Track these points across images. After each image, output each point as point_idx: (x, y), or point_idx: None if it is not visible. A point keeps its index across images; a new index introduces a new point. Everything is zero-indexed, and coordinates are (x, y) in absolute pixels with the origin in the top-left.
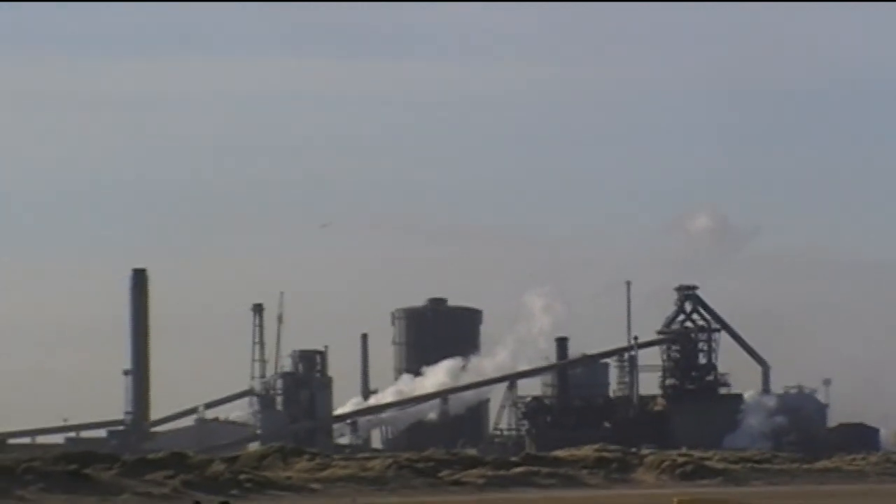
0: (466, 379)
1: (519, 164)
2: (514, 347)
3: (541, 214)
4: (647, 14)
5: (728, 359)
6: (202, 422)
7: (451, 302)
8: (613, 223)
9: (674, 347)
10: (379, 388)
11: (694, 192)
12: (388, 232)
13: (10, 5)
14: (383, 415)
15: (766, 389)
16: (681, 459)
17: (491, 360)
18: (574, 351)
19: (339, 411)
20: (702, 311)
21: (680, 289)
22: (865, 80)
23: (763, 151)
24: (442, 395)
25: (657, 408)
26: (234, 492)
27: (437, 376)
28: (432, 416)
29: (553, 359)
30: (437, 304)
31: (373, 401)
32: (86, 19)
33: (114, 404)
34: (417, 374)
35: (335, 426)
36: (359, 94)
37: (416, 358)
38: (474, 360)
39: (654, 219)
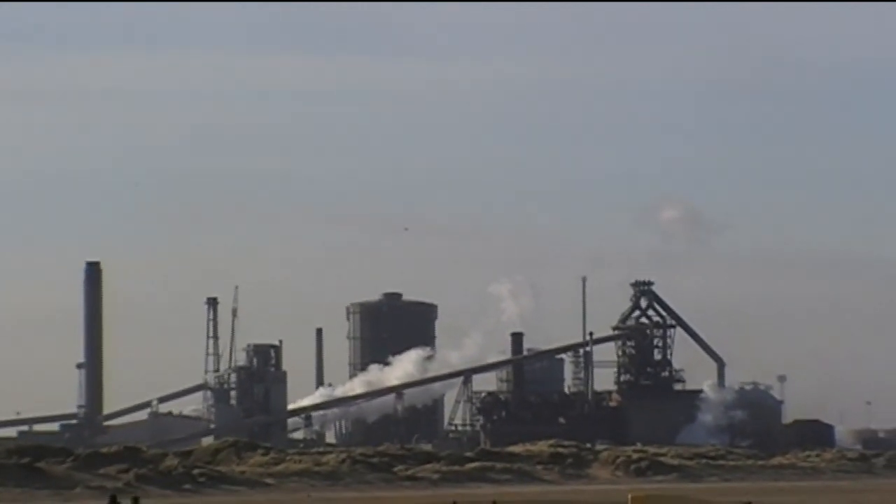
0: (430, 371)
1: (477, 157)
2: (480, 340)
3: (500, 207)
4: (626, 10)
5: (683, 355)
6: (156, 416)
7: (407, 296)
8: (574, 218)
9: (629, 343)
10: (333, 382)
11: (660, 187)
12: (344, 226)
13: None
14: (338, 409)
15: (720, 385)
16: (635, 455)
17: (458, 353)
18: (529, 346)
19: (296, 405)
20: (657, 306)
21: (636, 284)
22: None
23: (734, 147)
24: (398, 389)
25: (612, 403)
26: (187, 486)
27: (403, 366)
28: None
29: (508, 354)
30: (393, 298)
31: (326, 395)
32: (53, 11)
33: (67, 398)
34: (386, 363)
35: (290, 420)
36: (320, 88)
37: (371, 352)
38: (441, 352)
39: (618, 213)
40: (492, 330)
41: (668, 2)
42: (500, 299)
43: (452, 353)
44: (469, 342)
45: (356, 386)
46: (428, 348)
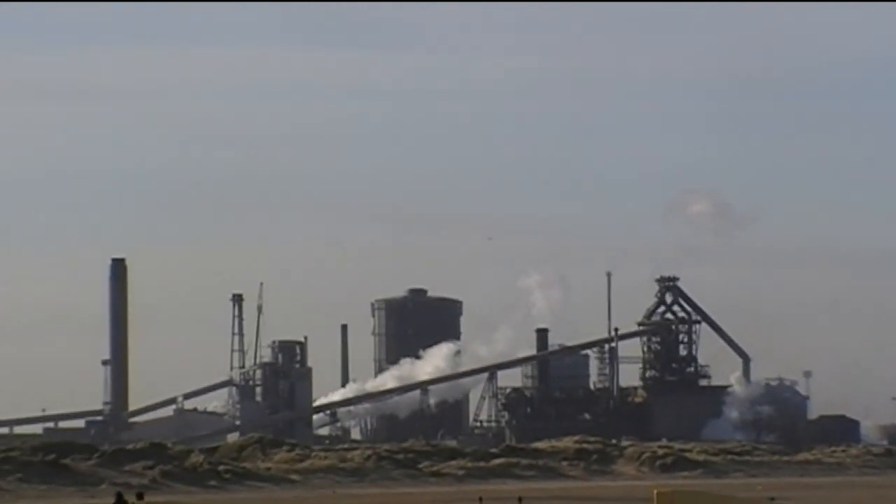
0: (458, 366)
1: (503, 153)
2: (507, 335)
3: (524, 203)
4: (649, 6)
5: (708, 351)
6: (181, 412)
7: (432, 293)
8: (600, 213)
9: (654, 339)
10: (358, 378)
11: (684, 181)
12: (369, 222)
13: None
14: (363, 406)
15: (746, 381)
16: (661, 451)
17: (485, 348)
18: (557, 342)
19: (323, 401)
20: (682, 302)
21: (661, 280)
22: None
23: (757, 141)
24: (423, 385)
25: (637, 399)
26: (212, 482)
27: (434, 361)
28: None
29: (534, 350)
30: (418, 294)
31: (356, 390)
32: (63, 6)
33: (93, 394)
34: (417, 357)
35: (315, 417)
36: (339, 84)
37: (396, 349)
38: (467, 347)
39: (643, 209)
40: (518, 325)
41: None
42: (528, 293)
43: (480, 348)
44: (496, 337)
45: (386, 380)
46: (457, 342)
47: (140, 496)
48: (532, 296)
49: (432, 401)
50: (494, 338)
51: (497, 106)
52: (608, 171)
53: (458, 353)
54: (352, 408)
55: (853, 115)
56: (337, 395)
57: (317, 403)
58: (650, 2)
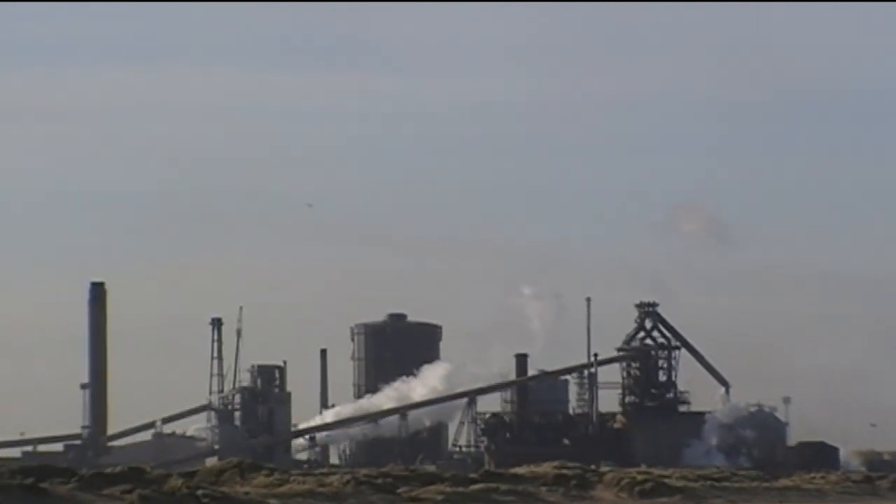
0: (453, 388)
1: (487, 176)
2: (488, 359)
3: (507, 226)
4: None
5: (687, 376)
6: (159, 436)
7: (412, 317)
8: (579, 236)
9: (634, 364)
10: (337, 403)
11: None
12: (349, 245)
13: None
14: (347, 430)
15: (725, 407)
16: (640, 477)
17: (484, 368)
18: (533, 367)
19: (302, 426)
20: (661, 328)
21: (640, 305)
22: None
23: (741, 165)
24: (401, 411)
25: (617, 425)
26: None
27: (430, 381)
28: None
29: (512, 375)
30: (397, 319)
31: (333, 415)
32: (42, 22)
33: (71, 418)
34: (412, 375)
35: (295, 442)
36: (323, 106)
37: (375, 374)
38: (468, 367)
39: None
40: (501, 349)
41: (691, 1)
42: (510, 317)
43: (460, 373)
44: (477, 362)
45: (380, 402)
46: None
47: None
48: (522, 314)
49: (427, 422)
50: (484, 359)
51: (483, 128)
52: (587, 192)
53: (449, 374)
54: (330, 432)
55: (833, 139)
56: (320, 420)
57: (301, 426)
58: (648, 4)
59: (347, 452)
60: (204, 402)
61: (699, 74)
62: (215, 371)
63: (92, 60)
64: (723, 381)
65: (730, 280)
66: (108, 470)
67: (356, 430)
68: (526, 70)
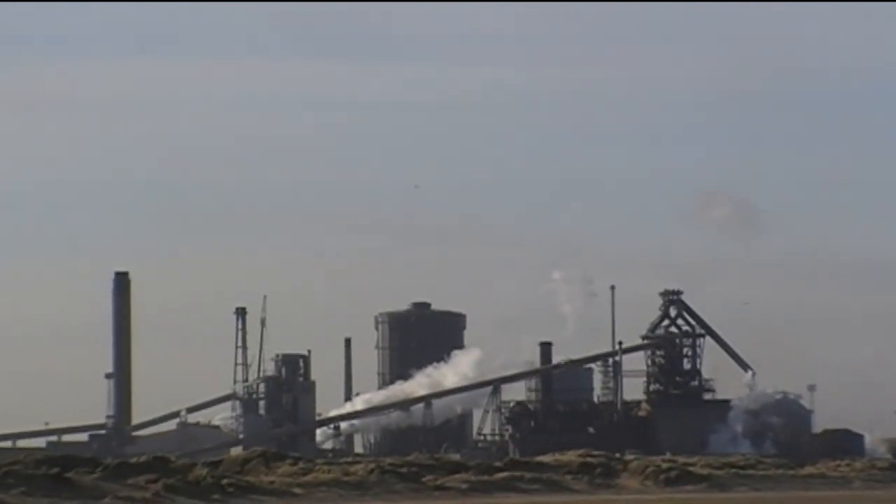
0: (489, 374)
1: (509, 164)
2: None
3: (529, 217)
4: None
5: (711, 364)
6: (184, 426)
7: (436, 306)
8: (603, 224)
9: (658, 352)
10: (362, 391)
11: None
12: (373, 234)
13: None
14: (378, 418)
15: (750, 395)
16: (665, 465)
17: (513, 356)
18: (559, 355)
19: (333, 413)
20: (686, 315)
21: (665, 293)
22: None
23: (767, 153)
24: (427, 399)
25: (641, 413)
26: (216, 496)
27: (462, 368)
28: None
29: (537, 363)
30: (421, 308)
31: (362, 403)
32: (64, 18)
33: (95, 408)
34: (441, 361)
35: (319, 431)
36: (341, 95)
37: (399, 363)
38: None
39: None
40: (528, 337)
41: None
42: (537, 305)
43: (491, 360)
44: (503, 350)
45: (413, 388)
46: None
47: None
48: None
49: (459, 409)
50: (510, 348)
51: (508, 116)
52: (611, 180)
53: (479, 361)
54: (357, 421)
55: (860, 125)
56: (350, 407)
57: (331, 414)
58: (666, 1)
59: (372, 441)
60: (228, 391)
61: (725, 62)
62: (240, 360)
63: (115, 52)
64: (748, 369)
65: (756, 268)
66: (133, 460)
67: (387, 418)
68: (552, 59)
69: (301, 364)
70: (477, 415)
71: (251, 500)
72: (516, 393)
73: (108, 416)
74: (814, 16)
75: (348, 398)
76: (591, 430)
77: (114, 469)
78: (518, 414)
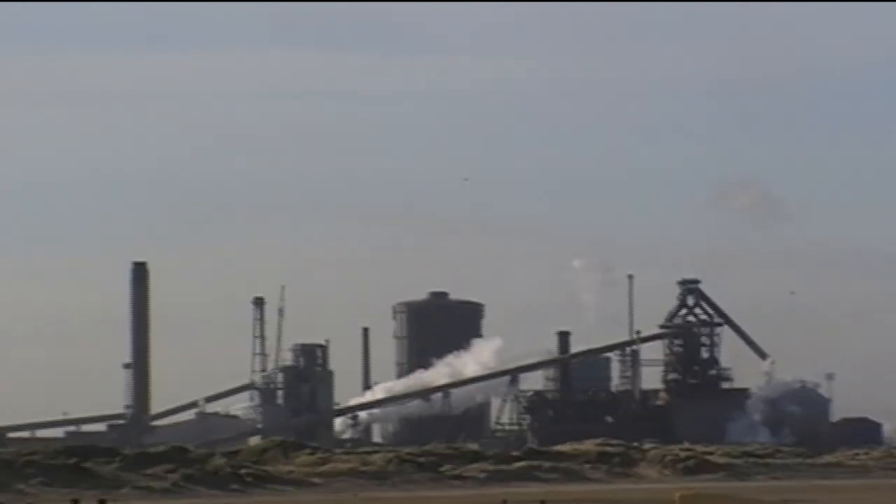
0: (510, 363)
1: (519, 157)
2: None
3: (546, 207)
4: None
5: (730, 353)
6: (203, 416)
7: (454, 296)
8: (620, 215)
9: (676, 342)
10: (380, 381)
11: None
12: (391, 224)
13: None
14: (388, 408)
15: (768, 384)
16: (683, 454)
17: (532, 345)
18: (578, 344)
19: (353, 402)
20: (704, 305)
21: (682, 283)
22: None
23: (787, 143)
24: (445, 388)
25: (659, 402)
26: (234, 486)
27: (482, 357)
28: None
29: (555, 353)
30: (439, 297)
31: (383, 392)
32: (81, 13)
33: (114, 398)
34: (463, 349)
35: (338, 420)
36: (357, 88)
37: (417, 352)
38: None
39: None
40: (548, 326)
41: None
42: (556, 295)
43: (512, 349)
44: (521, 340)
45: (434, 377)
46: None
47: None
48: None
49: (479, 398)
50: (528, 337)
51: (529, 107)
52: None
53: (499, 350)
54: (375, 410)
55: (884, 117)
56: (370, 396)
57: (352, 403)
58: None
59: (391, 430)
60: (246, 381)
61: (748, 52)
62: (258, 350)
63: (134, 44)
64: (765, 358)
65: (774, 257)
66: (152, 449)
67: (406, 408)
68: (574, 50)
69: (319, 354)
70: (495, 404)
71: (269, 490)
72: (534, 382)
73: (126, 406)
74: (840, 8)
75: (366, 388)
76: (609, 419)
77: (132, 459)
78: (536, 403)
